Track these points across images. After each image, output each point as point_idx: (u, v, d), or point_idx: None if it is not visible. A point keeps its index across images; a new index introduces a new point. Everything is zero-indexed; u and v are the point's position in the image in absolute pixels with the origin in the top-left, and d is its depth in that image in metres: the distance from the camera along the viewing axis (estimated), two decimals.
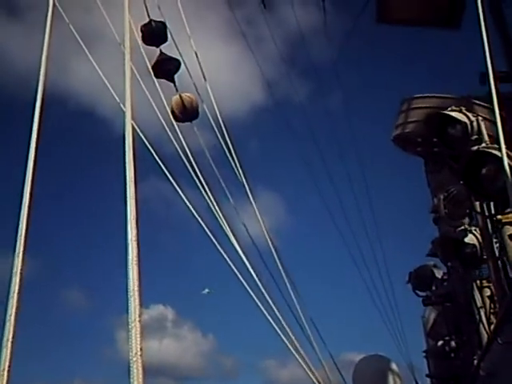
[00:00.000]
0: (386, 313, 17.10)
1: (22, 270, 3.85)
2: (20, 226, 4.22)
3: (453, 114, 8.93)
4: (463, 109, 9.10)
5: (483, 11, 5.57)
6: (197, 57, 12.40)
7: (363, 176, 18.24)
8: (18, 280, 3.76)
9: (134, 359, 2.98)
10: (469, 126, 8.78)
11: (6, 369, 3.26)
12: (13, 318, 3.50)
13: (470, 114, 8.98)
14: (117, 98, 8.53)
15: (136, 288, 3.28)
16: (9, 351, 3.32)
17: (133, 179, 4.41)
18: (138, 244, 3.59)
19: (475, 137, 8.74)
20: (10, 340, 3.37)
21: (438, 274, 14.34)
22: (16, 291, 3.67)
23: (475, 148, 7.76)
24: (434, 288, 14.27)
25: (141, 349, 3.02)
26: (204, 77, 12.17)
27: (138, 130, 8.44)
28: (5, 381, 3.24)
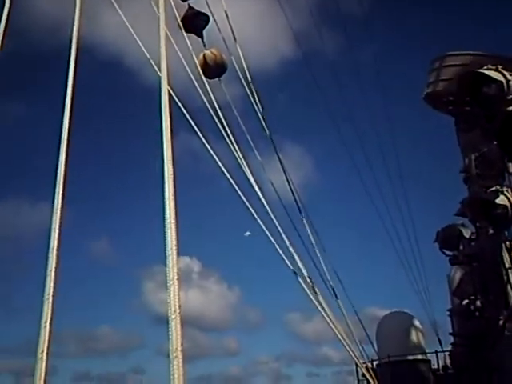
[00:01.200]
0: (411, 270, 17.20)
1: (60, 225, 3.97)
2: (58, 180, 4.31)
3: (488, 72, 8.75)
4: (500, 67, 8.91)
5: None
6: (226, 15, 12.27)
7: (392, 133, 18.06)
8: (56, 235, 3.88)
9: (173, 316, 3.11)
10: (505, 85, 8.62)
11: (49, 321, 3.43)
12: (53, 273, 3.63)
13: (506, 73, 8.80)
14: (147, 55, 8.50)
15: (174, 247, 3.36)
16: (50, 305, 3.48)
17: (169, 139, 4.47)
18: (175, 201, 3.65)
19: (511, 96, 8.59)
20: (51, 294, 3.52)
21: (466, 233, 14.24)
22: (55, 247, 3.80)
23: (511, 108, 7.63)
24: (461, 247, 14.24)
25: (179, 306, 3.14)
26: (233, 34, 12.06)
27: (171, 91, 8.48)
28: (47, 332, 3.40)
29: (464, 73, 8.97)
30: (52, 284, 3.60)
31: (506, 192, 9.86)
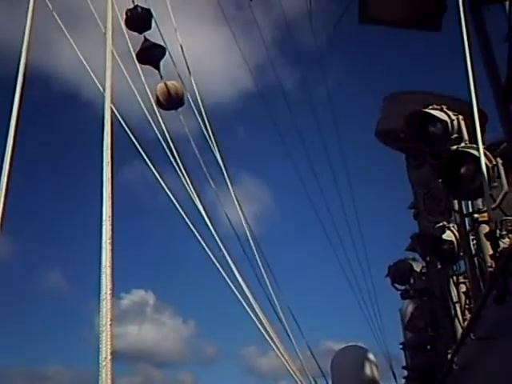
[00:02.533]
0: (365, 304, 17.37)
1: None
2: None
3: (433, 112, 9.02)
4: (444, 107, 9.20)
5: (464, 14, 5.68)
6: (181, 48, 12.38)
7: (346, 168, 18.42)
8: None
9: (104, 364, 3.02)
10: (449, 125, 8.88)
11: None
12: None
13: (450, 113, 9.08)
14: (97, 83, 8.43)
15: (109, 291, 3.26)
16: None
17: (109, 163, 4.41)
18: (112, 244, 3.56)
19: (455, 135, 8.85)
20: None
21: (417, 267, 14.54)
22: None
23: (454, 147, 7.88)
24: (412, 281, 14.48)
25: (111, 353, 3.06)
26: (188, 68, 12.16)
27: (118, 115, 8.43)
28: None
29: (411, 112, 9.23)
30: None
31: (452, 228, 10.11)
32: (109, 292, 3.22)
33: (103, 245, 3.50)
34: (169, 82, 11.82)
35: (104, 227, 3.60)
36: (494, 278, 5.08)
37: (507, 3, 5.69)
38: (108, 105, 5.21)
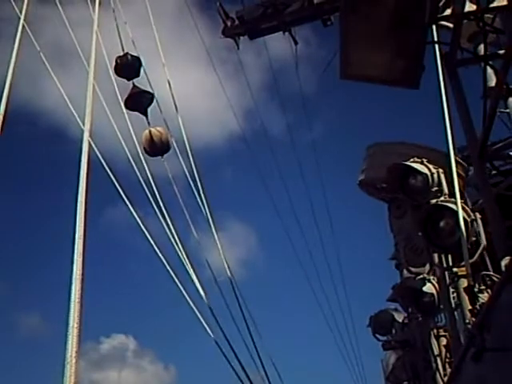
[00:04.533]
0: (348, 355, 17.19)
1: None
2: None
3: (414, 165, 9.18)
4: (425, 160, 9.36)
5: (443, 74, 5.87)
6: (172, 93, 12.51)
7: (329, 217, 18.50)
8: None
9: None
10: (429, 178, 9.02)
11: None
12: None
13: (431, 166, 9.24)
14: (78, 118, 8.38)
15: (74, 354, 3.14)
16: None
17: (83, 201, 4.39)
18: (81, 303, 3.47)
19: (435, 188, 8.98)
20: None
21: (399, 318, 14.43)
22: None
23: (434, 201, 7.97)
24: (394, 332, 14.36)
25: None
26: (176, 109, 12.26)
27: (97, 151, 8.41)
28: None
29: (393, 164, 9.37)
30: None
31: (432, 280, 10.12)
32: (74, 355, 3.12)
33: (71, 304, 3.42)
34: (153, 129, 11.93)
35: (74, 284, 3.54)
36: (472, 335, 5.06)
37: (483, 64, 5.89)
38: (86, 138, 5.22)
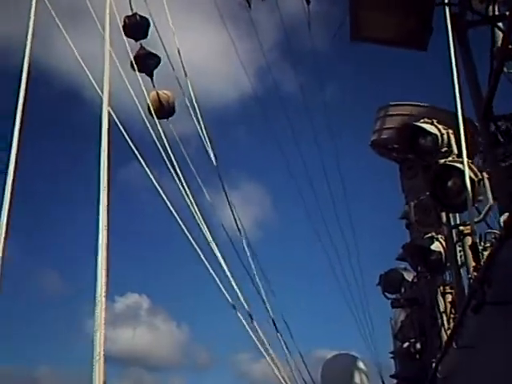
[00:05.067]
0: (357, 313, 17.52)
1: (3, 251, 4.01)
2: (3, 209, 4.36)
3: (424, 125, 9.26)
4: (435, 121, 9.43)
5: (453, 35, 5.93)
6: (179, 52, 12.49)
7: (341, 178, 18.61)
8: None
9: (97, 362, 3.20)
10: (439, 138, 9.12)
11: None
12: None
13: (440, 127, 9.32)
14: (95, 84, 8.50)
15: (103, 293, 3.43)
16: None
17: (106, 165, 4.57)
18: (107, 249, 3.73)
19: (445, 149, 9.09)
20: None
21: (409, 276, 14.68)
22: None
23: (442, 161, 8.08)
24: (403, 291, 14.63)
25: (104, 343, 3.24)
26: (185, 72, 12.27)
27: (115, 117, 8.59)
28: None
29: (403, 125, 9.46)
30: None
31: (440, 239, 10.31)
32: (103, 294, 3.39)
33: (99, 248, 3.68)
34: (160, 92, 11.92)
35: (100, 230, 3.78)
36: (474, 289, 5.27)
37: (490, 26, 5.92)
38: (105, 108, 5.40)
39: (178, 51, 12.35)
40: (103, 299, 3.49)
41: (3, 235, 4.08)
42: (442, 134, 9.10)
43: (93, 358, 3.28)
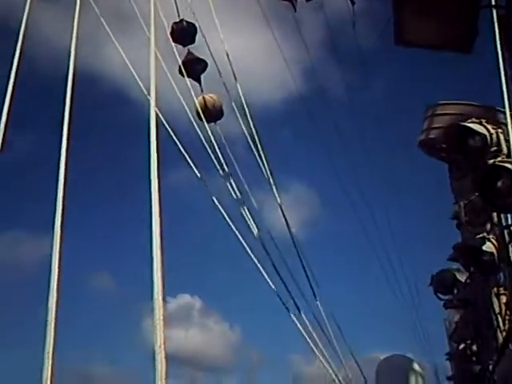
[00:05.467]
0: (410, 314, 17.38)
1: (59, 259, 4.23)
2: (57, 206, 4.57)
3: (472, 125, 9.20)
4: (483, 121, 9.36)
5: (500, 38, 5.94)
6: (227, 56, 12.70)
7: (392, 178, 18.51)
8: (56, 269, 4.15)
9: (158, 351, 3.41)
10: (488, 138, 9.05)
11: (51, 354, 3.73)
12: (54, 307, 3.94)
13: (489, 126, 9.24)
14: (143, 88, 8.74)
15: (160, 289, 3.63)
16: (52, 339, 3.77)
17: (156, 168, 4.74)
18: (161, 244, 3.91)
19: (494, 148, 9.01)
20: (53, 330, 3.81)
21: (462, 277, 14.46)
22: (55, 280, 4.09)
23: (491, 161, 8.03)
24: (456, 291, 14.43)
25: (164, 341, 3.44)
26: (234, 75, 12.47)
27: (164, 121, 8.86)
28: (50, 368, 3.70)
29: (450, 125, 9.42)
30: (53, 318, 3.88)
31: (492, 239, 10.18)
32: (160, 292, 3.60)
33: (154, 248, 3.89)
34: (207, 96, 12.14)
35: (154, 230, 3.99)
36: None
37: None
38: (153, 109, 5.64)
39: (227, 56, 12.59)
40: (160, 298, 3.69)
41: (58, 241, 4.33)
42: (490, 134, 9.03)
43: (154, 355, 3.48)
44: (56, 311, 3.92)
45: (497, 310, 10.94)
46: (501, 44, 6.38)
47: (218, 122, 12.36)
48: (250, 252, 9.99)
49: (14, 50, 6.10)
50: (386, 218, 17.46)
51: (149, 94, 6.15)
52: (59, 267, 4.19)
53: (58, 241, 4.36)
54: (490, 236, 10.28)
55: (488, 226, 10.67)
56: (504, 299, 10.93)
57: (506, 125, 6.82)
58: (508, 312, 10.53)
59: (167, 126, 9.24)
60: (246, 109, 11.89)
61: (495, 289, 11.18)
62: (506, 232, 8.99)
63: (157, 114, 5.84)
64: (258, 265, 10.00)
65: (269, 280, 10.12)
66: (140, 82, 9.09)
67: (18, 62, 5.93)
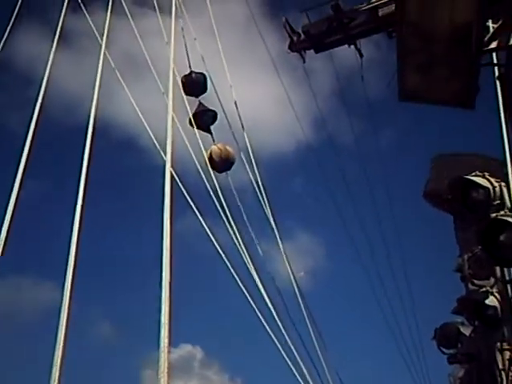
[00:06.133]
0: (414, 369, 17.08)
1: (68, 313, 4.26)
2: (70, 255, 4.63)
3: (475, 179, 9.27)
4: (487, 174, 9.43)
5: (503, 96, 6.08)
6: (236, 107, 12.97)
7: (396, 229, 18.51)
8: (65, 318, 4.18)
9: None
10: (491, 192, 9.10)
11: None
12: (59, 359, 3.94)
13: (493, 180, 9.30)
14: (159, 148, 8.92)
15: (166, 345, 3.62)
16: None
17: (169, 222, 4.84)
18: (170, 301, 3.95)
19: (497, 202, 9.04)
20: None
21: (466, 331, 14.25)
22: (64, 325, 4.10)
23: (494, 215, 8.05)
24: (460, 346, 14.20)
25: None
26: (242, 125, 12.71)
27: (177, 178, 8.98)
28: None
29: (454, 178, 9.50)
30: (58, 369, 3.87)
31: (495, 293, 10.11)
32: (166, 342, 3.60)
33: (163, 298, 3.92)
34: (214, 147, 12.30)
35: (164, 278, 4.04)
36: None
37: None
38: (168, 169, 5.76)
39: (236, 105, 12.85)
40: (166, 350, 3.68)
41: (68, 296, 4.37)
42: (494, 187, 9.08)
43: None
44: (61, 364, 3.92)
45: (500, 365, 10.76)
46: (503, 100, 6.53)
47: (230, 171, 12.54)
48: (252, 304, 9.89)
49: (36, 99, 6.31)
50: (390, 268, 17.40)
51: (165, 155, 6.29)
52: (68, 317, 4.20)
53: (69, 289, 4.40)
54: (494, 290, 10.21)
55: (492, 280, 10.60)
56: (508, 355, 10.75)
57: (507, 177, 6.90)
58: (511, 368, 10.36)
59: (179, 182, 9.32)
60: (252, 158, 12.06)
61: (499, 344, 11.02)
62: (509, 286, 8.93)
63: (171, 173, 5.95)
64: (262, 319, 9.88)
65: (273, 336, 9.97)
66: (155, 141, 9.23)
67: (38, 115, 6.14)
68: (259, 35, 16.32)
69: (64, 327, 4.11)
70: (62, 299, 4.31)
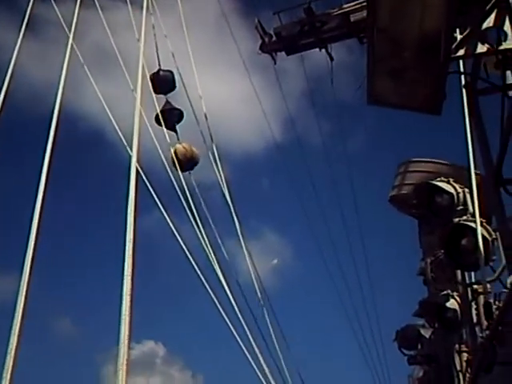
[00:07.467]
0: (375, 369, 17.37)
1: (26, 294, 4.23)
2: (28, 248, 4.58)
3: (440, 184, 9.48)
4: (451, 180, 9.66)
5: (468, 102, 6.24)
6: (203, 105, 12.92)
7: (361, 232, 18.78)
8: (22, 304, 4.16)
9: None
10: (455, 197, 9.33)
11: None
12: (13, 351, 3.91)
13: (457, 186, 9.54)
14: (125, 143, 8.83)
15: (126, 342, 3.64)
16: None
17: (133, 216, 4.82)
18: (131, 297, 3.97)
19: (461, 207, 9.28)
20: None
21: (426, 333, 14.54)
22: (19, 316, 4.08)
23: (456, 220, 8.26)
24: (420, 347, 14.48)
25: None
26: (208, 127, 12.70)
27: (142, 173, 8.93)
28: None
29: (420, 183, 9.70)
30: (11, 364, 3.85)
31: (455, 296, 10.35)
32: (126, 340, 3.61)
33: (124, 294, 3.92)
34: (179, 146, 12.24)
35: (125, 279, 4.03)
36: (484, 348, 5.38)
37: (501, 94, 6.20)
38: (134, 164, 5.74)
39: (202, 103, 12.81)
40: (126, 347, 3.68)
41: (25, 288, 4.33)
42: (457, 193, 9.31)
43: None
44: (15, 357, 3.88)
45: (458, 367, 11.02)
46: (468, 107, 6.71)
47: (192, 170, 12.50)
48: (217, 303, 9.90)
49: (1, 87, 6.22)
50: (355, 272, 17.66)
51: (131, 150, 6.25)
52: (24, 310, 4.16)
53: (26, 282, 4.36)
54: (454, 293, 10.45)
55: (452, 284, 10.86)
56: (465, 357, 11.02)
57: (470, 183, 7.10)
58: (469, 369, 10.61)
59: (145, 178, 9.25)
60: (217, 158, 12.05)
61: (457, 346, 11.29)
62: (469, 290, 9.16)
63: (137, 168, 5.93)
64: (226, 317, 9.91)
65: (236, 334, 10.00)
66: (122, 136, 9.15)
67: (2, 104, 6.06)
68: (231, 34, 16.35)
69: (19, 323, 4.08)
70: (17, 294, 4.27)
